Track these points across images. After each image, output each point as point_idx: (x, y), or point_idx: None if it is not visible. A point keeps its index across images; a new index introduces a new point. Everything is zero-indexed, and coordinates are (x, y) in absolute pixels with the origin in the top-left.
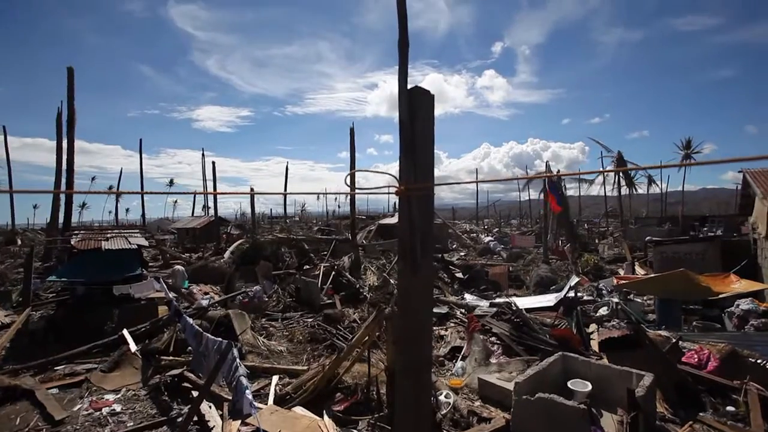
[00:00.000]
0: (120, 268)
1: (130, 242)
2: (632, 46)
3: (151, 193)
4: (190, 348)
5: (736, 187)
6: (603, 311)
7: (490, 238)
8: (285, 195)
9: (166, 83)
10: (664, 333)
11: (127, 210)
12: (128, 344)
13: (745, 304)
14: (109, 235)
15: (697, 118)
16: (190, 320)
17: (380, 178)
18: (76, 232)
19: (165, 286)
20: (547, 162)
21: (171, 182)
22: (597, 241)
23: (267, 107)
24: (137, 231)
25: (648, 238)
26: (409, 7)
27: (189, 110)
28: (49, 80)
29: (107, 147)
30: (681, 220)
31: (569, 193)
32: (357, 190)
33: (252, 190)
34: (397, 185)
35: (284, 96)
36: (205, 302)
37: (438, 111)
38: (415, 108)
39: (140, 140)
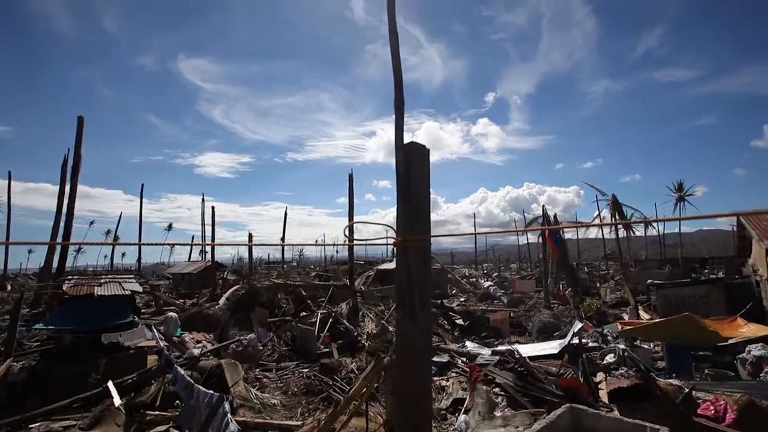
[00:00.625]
0: (111, 315)
1: (123, 288)
2: (617, 95)
3: (148, 244)
4: (178, 401)
5: (732, 229)
6: (610, 358)
7: (489, 283)
8: (282, 246)
9: (172, 131)
10: (675, 382)
11: (123, 254)
12: (112, 398)
13: (756, 350)
14: (102, 281)
15: (685, 162)
16: (181, 371)
17: (378, 226)
18: (69, 277)
19: (156, 334)
20: (543, 206)
21: (170, 227)
22: (598, 284)
23: (268, 153)
24: (132, 276)
25: (649, 281)
26: (405, 61)
27: (192, 156)
28: (56, 126)
29: (109, 192)
30: (681, 262)
31: (567, 236)
32: (355, 241)
33: (250, 235)
34: (395, 236)
35: (285, 143)
36: (196, 351)
37: (434, 157)
38: (411, 162)
39: (141, 185)
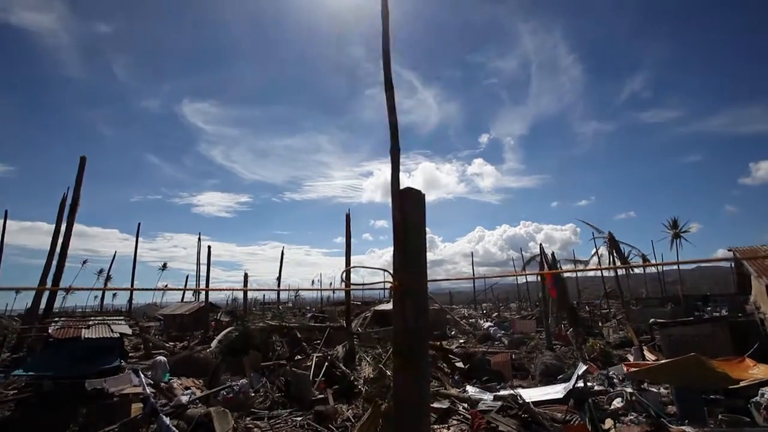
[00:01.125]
0: (97, 359)
1: (112, 330)
2: (606, 135)
3: (139, 289)
4: None
5: (731, 265)
6: (617, 403)
7: (489, 323)
8: (278, 291)
9: (171, 171)
10: (689, 429)
11: (115, 295)
12: None
13: None
14: (90, 323)
15: (677, 199)
16: (167, 420)
17: (374, 263)
18: (56, 319)
19: (143, 380)
20: (540, 245)
21: (164, 266)
22: (600, 324)
23: (266, 193)
24: (121, 318)
25: (652, 320)
26: (401, 104)
27: (190, 196)
28: (57, 165)
29: (105, 231)
30: (683, 300)
31: (565, 274)
32: (352, 286)
33: (245, 276)
34: (391, 280)
35: (283, 183)
36: (185, 398)
37: (431, 197)
38: (407, 208)
39: (138, 224)
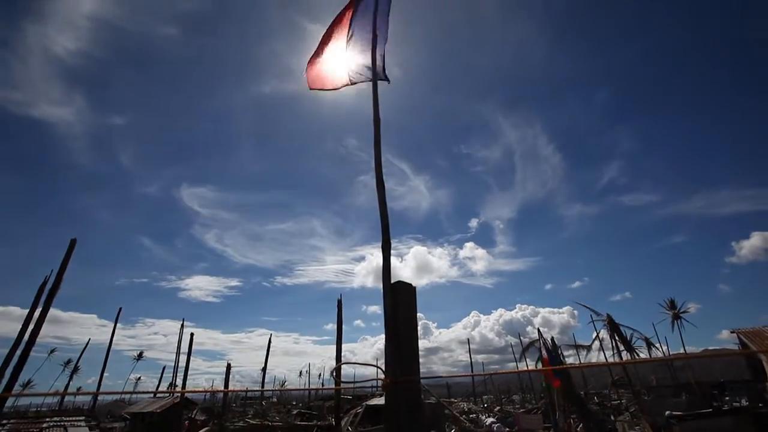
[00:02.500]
0: None
1: None
2: (592, 218)
3: (105, 393)
4: None
5: (739, 348)
6: None
7: (492, 419)
8: (263, 380)
9: (162, 254)
10: None
11: (79, 388)
12: None
13: None
14: (45, 425)
15: (670, 279)
16: None
17: (366, 351)
18: (4, 422)
19: None
20: (538, 329)
21: (140, 356)
22: (612, 417)
23: (257, 277)
24: (81, 419)
25: (668, 413)
26: (393, 191)
27: (179, 279)
28: (43, 249)
29: (82, 316)
30: (697, 388)
31: (569, 360)
32: (342, 382)
33: (228, 366)
34: (383, 376)
35: (275, 267)
36: None
37: (424, 281)
38: (398, 302)
39: (119, 310)
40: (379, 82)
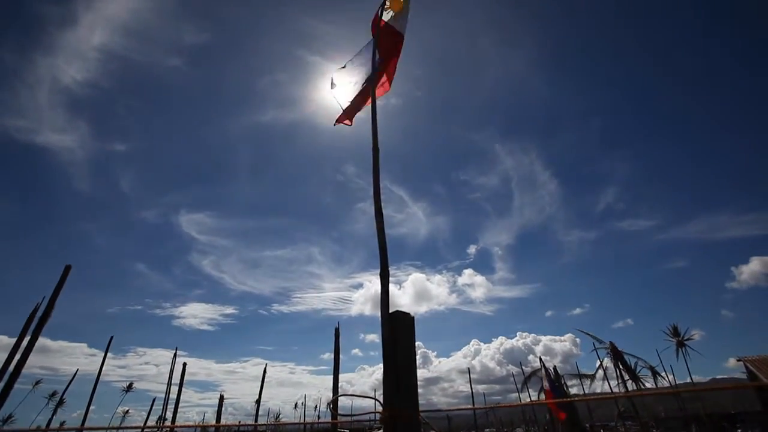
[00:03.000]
0: None
1: None
2: (591, 243)
3: (88, 429)
4: None
5: (748, 378)
6: None
7: None
8: (257, 412)
9: (158, 280)
10: None
11: (63, 423)
12: None
13: None
14: None
15: (672, 304)
16: None
17: (364, 382)
18: None
19: None
20: (540, 358)
21: (129, 386)
22: None
23: (253, 305)
24: None
25: None
26: (392, 218)
27: (173, 307)
28: (36, 276)
29: (71, 345)
30: (707, 420)
31: (573, 390)
32: (339, 416)
33: (221, 398)
34: (381, 409)
35: (272, 294)
36: None
37: (423, 309)
38: (397, 334)
39: (110, 338)
40: (378, 103)
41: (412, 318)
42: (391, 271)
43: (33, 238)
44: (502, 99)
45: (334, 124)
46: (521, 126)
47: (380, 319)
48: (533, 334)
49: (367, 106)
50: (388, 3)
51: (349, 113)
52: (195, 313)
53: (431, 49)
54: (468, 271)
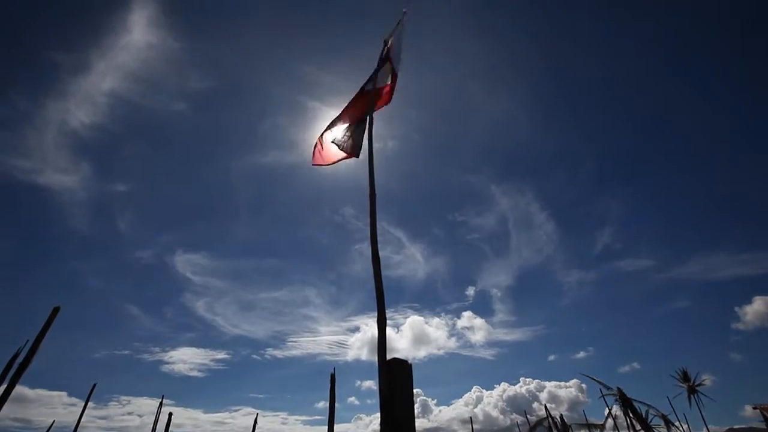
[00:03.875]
0: None
1: None
2: (591, 284)
3: None
4: None
5: (767, 425)
6: None
7: None
8: None
9: (149, 323)
10: None
11: None
12: None
13: None
14: None
15: (679, 347)
16: None
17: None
18: None
19: None
20: (545, 406)
21: None
22: None
23: (246, 349)
24: None
25: None
26: (389, 259)
27: (163, 351)
28: (20, 320)
29: (49, 393)
30: None
31: None
32: None
33: None
34: None
35: (266, 338)
36: None
37: (422, 353)
38: (395, 380)
39: (92, 386)
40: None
41: (410, 366)
42: (389, 313)
43: (24, 278)
44: (497, 141)
45: (315, 164)
46: (516, 167)
47: (377, 366)
48: (537, 380)
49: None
50: (388, 49)
51: (329, 157)
52: (185, 358)
53: (427, 94)
54: (467, 314)
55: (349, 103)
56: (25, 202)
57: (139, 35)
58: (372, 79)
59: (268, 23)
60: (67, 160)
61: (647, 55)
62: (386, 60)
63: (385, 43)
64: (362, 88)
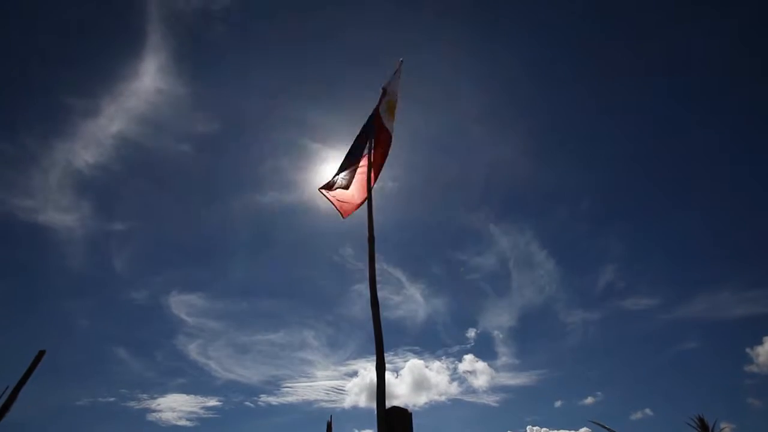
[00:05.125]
0: None
1: None
2: (595, 324)
3: None
4: None
5: None
6: None
7: None
8: None
9: (138, 367)
10: None
11: None
12: None
13: None
14: None
15: (693, 391)
16: None
17: None
18: None
19: None
20: None
21: None
22: None
23: (239, 396)
24: None
25: None
26: (388, 300)
27: (150, 398)
28: (4, 360)
29: None
30: None
31: None
32: None
33: None
34: None
35: (260, 383)
36: None
37: (422, 399)
38: (394, 430)
39: None
40: (373, 197)
41: (410, 414)
42: (389, 357)
43: (13, 318)
44: (495, 181)
45: (321, 190)
46: (514, 206)
47: (376, 413)
48: (544, 428)
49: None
50: (384, 103)
51: (350, 201)
52: (174, 406)
53: (426, 136)
54: (469, 357)
55: (354, 147)
56: (23, 241)
57: (149, 81)
58: (371, 128)
59: (272, 69)
60: (68, 199)
61: (646, 93)
62: (378, 113)
63: (384, 90)
64: (367, 138)
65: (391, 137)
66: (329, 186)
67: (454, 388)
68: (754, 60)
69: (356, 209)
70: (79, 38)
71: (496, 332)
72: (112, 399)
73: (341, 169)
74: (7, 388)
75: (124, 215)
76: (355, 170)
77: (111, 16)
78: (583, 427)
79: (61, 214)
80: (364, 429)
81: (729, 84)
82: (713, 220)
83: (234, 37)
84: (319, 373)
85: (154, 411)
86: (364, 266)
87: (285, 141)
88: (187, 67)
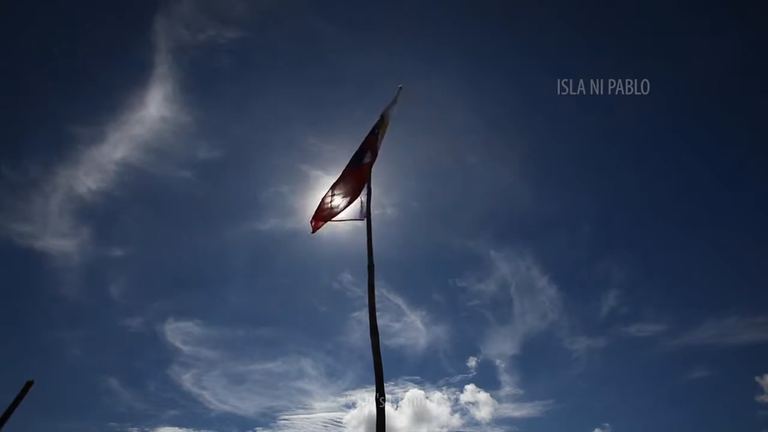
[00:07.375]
0: None
1: None
2: (600, 352)
3: None
4: None
5: None
6: None
7: None
8: None
9: (130, 398)
10: None
11: None
12: None
13: None
14: None
15: (704, 422)
16: None
17: None
18: None
19: None
20: None
21: None
22: None
23: (234, 429)
24: None
25: None
26: (389, 328)
27: None
28: None
29: None
30: None
31: None
32: None
33: None
34: None
35: (256, 415)
36: None
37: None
38: None
39: None
40: (372, 228)
41: None
42: (388, 387)
43: (4, 346)
44: (494, 207)
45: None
46: (514, 232)
47: None
48: None
49: (350, 222)
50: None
51: (322, 218)
52: None
53: (425, 163)
54: (470, 387)
55: (345, 174)
56: (17, 267)
57: (154, 110)
58: (367, 151)
59: (275, 98)
60: (68, 225)
61: (646, 116)
62: (377, 133)
63: (382, 117)
64: (360, 160)
65: (373, 162)
66: (322, 212)
67: (455, 420)
68: (753, 80)
69: (335, 220)
70: (89, 68)
71: (498, 361)
72: None
73: (333, 191)
74: None
75: (122, 241)
76: (347, 197)
77: (121, 48)
78: None
79: (59, 240)
80: None
81: (731, 106)
82: (717, 243)
83: (238, 67)
84: (317, 404)
85: None
86: (364, 293)
87: (285, 167)
88: (192, 96)
